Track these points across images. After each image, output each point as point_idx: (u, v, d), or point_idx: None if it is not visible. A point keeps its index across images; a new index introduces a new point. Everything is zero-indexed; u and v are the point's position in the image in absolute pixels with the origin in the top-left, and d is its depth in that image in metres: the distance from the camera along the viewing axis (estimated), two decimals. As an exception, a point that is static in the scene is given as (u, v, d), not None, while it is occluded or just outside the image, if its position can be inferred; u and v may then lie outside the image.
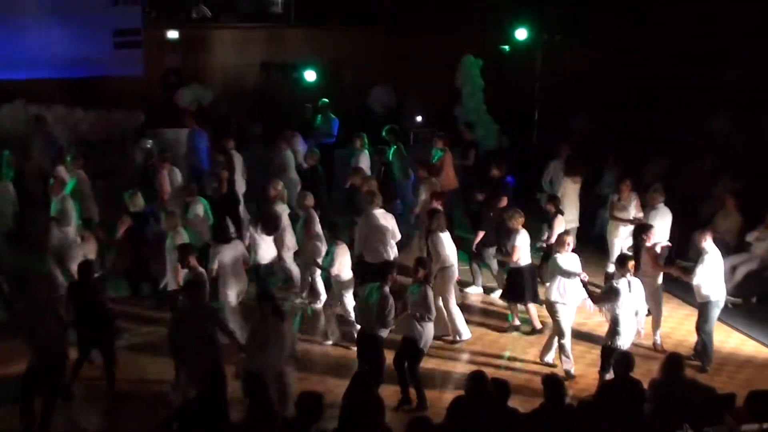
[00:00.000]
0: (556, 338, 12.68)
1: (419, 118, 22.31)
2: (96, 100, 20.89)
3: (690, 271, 12.83)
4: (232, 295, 12.89)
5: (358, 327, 12.34)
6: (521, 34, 21.74)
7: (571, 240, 12.83)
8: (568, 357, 12.57)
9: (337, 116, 20.44)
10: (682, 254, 14.91)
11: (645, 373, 10.86)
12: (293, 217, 15.03)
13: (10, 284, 13.16)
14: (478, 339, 13.81)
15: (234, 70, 23.83)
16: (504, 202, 15.18)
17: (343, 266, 13.29)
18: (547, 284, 12.88)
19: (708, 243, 12.71)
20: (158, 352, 12.39)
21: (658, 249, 13.46)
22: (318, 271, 14.34)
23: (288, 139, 18.12)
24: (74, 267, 13.12)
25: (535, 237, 14.49)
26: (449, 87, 22.46)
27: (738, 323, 14.20)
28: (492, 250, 15.09)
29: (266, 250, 14.15)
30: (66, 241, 14.31)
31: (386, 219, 14.22)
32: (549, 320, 13.12)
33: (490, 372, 9.90)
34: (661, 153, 18.39)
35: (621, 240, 15.34)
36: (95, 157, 19.86)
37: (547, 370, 12.10)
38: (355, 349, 12.12)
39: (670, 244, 14.37)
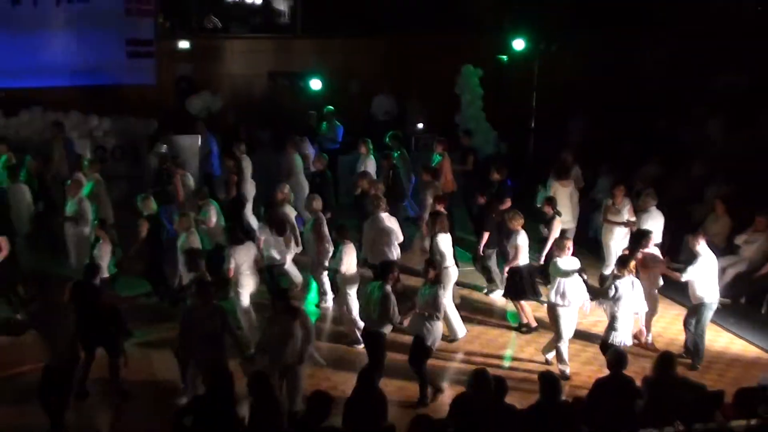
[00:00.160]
0: (556, 338, 12.61)
1: (420, 125, 22.33)
2: (110, 108, 20.91)
3: (680, 270, 12.85)
4: (245, 294, 12.89)
5: (362, 325, 12.35)
6: (518, 44, 21.75)
7: (570, 244, 12.77)
8: (563, 360, 12.52)
9: (341, 123, 20.46)
10: (674, 256, 14.88)
11: (638, 370, 10.88)
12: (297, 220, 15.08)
13: (28, 285, 13.16)
14: (476, 337, 13.81)
15: (243, 79, 23.85)
16: (508, 203, 15.23)
17: (350, 265, 13.30)
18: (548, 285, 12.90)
19: (702, 245, 12.71)
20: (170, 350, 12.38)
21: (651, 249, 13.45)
22: (325, 272, 14.35)
23: (296, 144, 18.13)
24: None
25: (532, 238, 14.47)
26: (449, 95, 22.45)
27: (727, 323, 14.18)
28: (492, 251, 15.11)
29: (278, 250, 14.14)
30: (82, 240, 14.36)
31: (390, 221, 14.25)
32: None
33: (488, 369, 9.88)
34: (654, 159, 18.39)
35: (616, 243, 15.33)
36: (110, 162, 20.02)
37: (543, 367, 12.09)
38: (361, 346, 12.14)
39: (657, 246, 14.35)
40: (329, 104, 20.83)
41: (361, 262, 13.81)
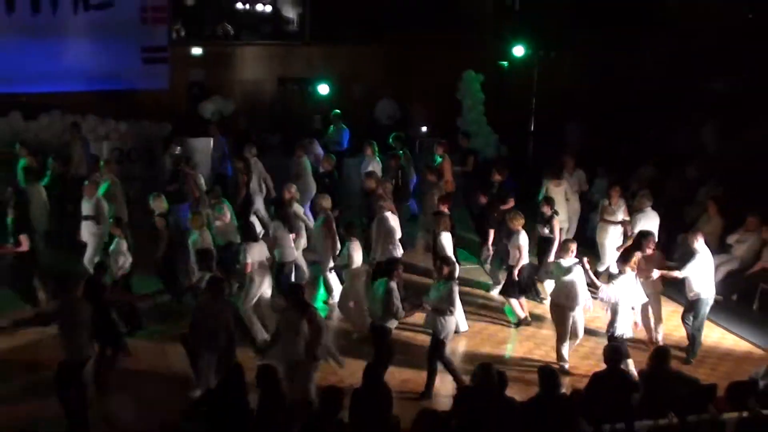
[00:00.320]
0: (560, 338, 12.56)
1: (424, 128, 22.33)
2: (126, 111, 20.99)
3: (674, 268, 12.85)
4: (257, 290, 12.90)
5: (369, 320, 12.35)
6: (518, 51, 21.74)
7: (575, 247, 12.66)
8: (563, 358, 12.49)
9: (347, 127, 20.46)
10: (668, 256, 14.87)
11: (635, 364, 10.87)
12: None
13: (48, 282, 13.17)
14: (478, 333, 13.79)
15: (253, 84, 23.88)
16: (511, 203, 15.23)
17: (357, 261, 13.32)
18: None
19: (699, 243, 12.72)
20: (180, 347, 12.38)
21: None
22: (330, 269, 14.37)
23: (305, 147, 18.13)
24: (114, 264, 13.21)
25: (531, 237, 14.46)
26: (452, 100, 22.44)
27: (719, 319, 14.15)
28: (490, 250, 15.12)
29: (290, 248, 14.14)
30: (98, 239, 14.37)
31: (395, 220, 14.26)
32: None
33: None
34: (649, 161, 18.38)
35: (610, 241, 15.37)
36: (126, 163, 20.06)
37: (542, 362, 12.05)
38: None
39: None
40: (336, 108, 20.82)
41: (372, 263, 13.75)
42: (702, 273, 12.67)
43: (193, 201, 15.76)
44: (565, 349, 12.46)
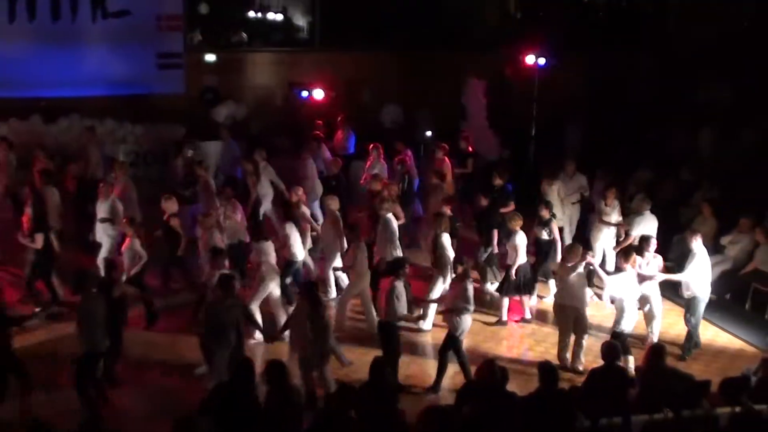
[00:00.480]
0: (562, 337, 12.50)
1: (429, 133, 22.30)
2: (142, 115, 21.00)
3: (673, 270, 12.84)
4: (266, 288, 12.90)
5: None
6: (521, 58, 21.69)
7: (581, 251, 12.54)
8: (565, 349, 12.46)
9: (355, 130, 20.43)
10: (664, 256, 14.83)
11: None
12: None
13: (67, 280, 13.19)
14: (480, 330, 13.75)
15: (264, 90, 23.89)
16: (512, 206, 15.22)
17: (362, 262, 13.30)
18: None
19: (697, 243, 12.70)
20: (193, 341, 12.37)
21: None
22: (332, 268, 14.37)
23: (313, 150, 18.13)
24: (127, 262, 13.24)
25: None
26: (456, 105, 22.45)
27: (713, 318, 14.11)
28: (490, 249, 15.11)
29: (299, 248, 14.14)
30: (113, 238, 14.39)
31: (396, 222, 14.27)
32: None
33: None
34: (645, 164, 18.34)
35: (603, 241, 15.46)
36: (142, 166, 20.10)
37: (541, 357, 12.01)
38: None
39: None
40: (343, 113, 20.81)
41: (386, 264, 13.73)
42: (699, 272, 12.66)
43: (204, 202, 15.76)
44: (567, 351, 12.41)
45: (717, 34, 21.27)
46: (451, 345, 11.68)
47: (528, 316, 14.21)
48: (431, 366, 12.09)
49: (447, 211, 14.37)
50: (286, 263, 13.88)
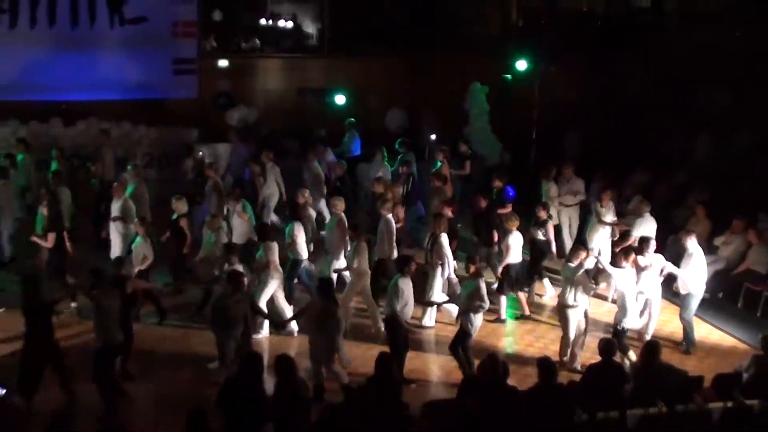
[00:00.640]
0: (564, 336, 12.42)
1: (433, 136, 22.28)
2: (157, 119, 21.05)
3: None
4: (273, 286, 12.88)
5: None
6: (521, 65, 21.65)
7: (584, 252, 12.46)
8: (568, 345, 12.41)
9: (361, 134, 20.43)
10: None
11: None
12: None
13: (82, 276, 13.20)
14: (482, 327, 13.67)
15: (275, 94, 23.90)
16: (509, 208, 15.19)
17: (363, 261, 13.28)
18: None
19: (692, 242, 12.68)
20: (203, 335, 12.41)
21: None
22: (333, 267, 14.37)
23: (319, 153, 18.12)
24: (137, 259, 13.24)
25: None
26: (459, 110, 22.43)
27: (707, 315, 14.08)
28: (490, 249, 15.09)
29: (305, 247, 14.11)
30: (124, 236, 14.42)
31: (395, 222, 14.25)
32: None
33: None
34: (642, 167, 18.31)
35: (597, 241, 15.39)
36: (156, 167, 20.13)
37: (540, 353, 11.98)
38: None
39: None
40: (350, 117, 20.81)
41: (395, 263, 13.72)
42: (695, 270, 12.66)
43: (214, 203, 15.77)
44: (569, 348, 12.35)
45: (714, 39, 21.23)
46: (462, 341, 11.66)
47: (526, 312, 14.18)
48: (433, 360, 12.09)
49: (447, 212, 14.35)
50: (292, 262, 13.86)
